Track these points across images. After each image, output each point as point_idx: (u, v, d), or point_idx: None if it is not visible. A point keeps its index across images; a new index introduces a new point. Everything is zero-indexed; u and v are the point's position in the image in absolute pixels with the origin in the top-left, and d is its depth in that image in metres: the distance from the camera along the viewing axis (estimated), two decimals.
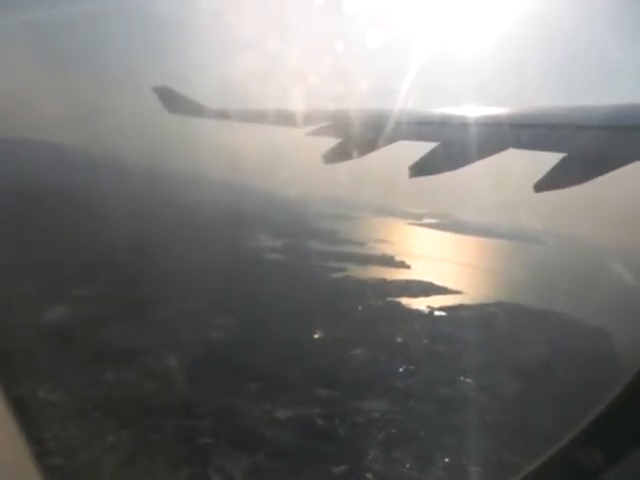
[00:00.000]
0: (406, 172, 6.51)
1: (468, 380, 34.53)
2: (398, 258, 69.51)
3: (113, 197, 66.53)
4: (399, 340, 39.10)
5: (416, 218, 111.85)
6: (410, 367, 35.09)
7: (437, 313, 48.00)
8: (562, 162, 5.62)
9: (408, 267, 66.26)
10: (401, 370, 34.50)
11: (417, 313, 47.29)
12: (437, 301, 51.68)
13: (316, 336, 38.32)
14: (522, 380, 35.23)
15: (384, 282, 55.97)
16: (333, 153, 7.49)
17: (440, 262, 76.66)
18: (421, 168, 6.54)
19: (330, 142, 7.58)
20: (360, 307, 46.09)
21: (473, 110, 7.30)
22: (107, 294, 41.10)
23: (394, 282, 56.49)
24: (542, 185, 5.75)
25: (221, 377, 30.41)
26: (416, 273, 63.10)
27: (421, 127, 7.11)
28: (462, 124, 6.90)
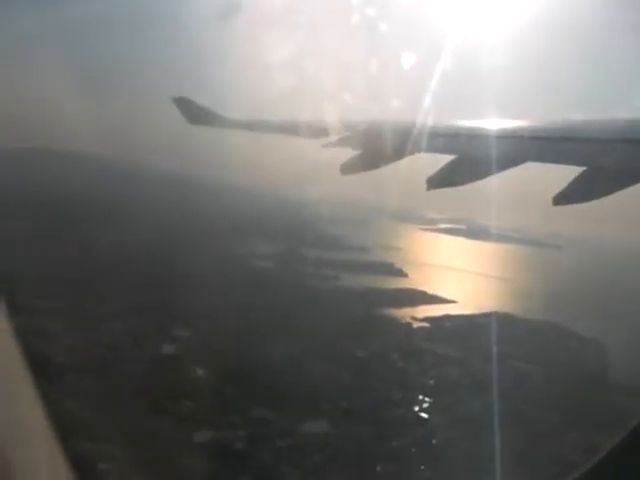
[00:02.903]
0: (424, 176, 6.54)
1: (426, 399, 32.30)
2: (398, 266, 67.08)
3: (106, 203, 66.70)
4: (361, 355, 37.00)
5: (431, 223, 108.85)
6: (365, 385, 33.02)
7: (418, 325, 45.66)
8: (582, 175, 5.53)
9: (406, 275, 63.79)
10: (353, 388, 32.42)
11: (396, 325, 45.06)
12: (423, 311, 49.29)
13: (274, 351, 36.52)
14: (486, 399, 32.81)
15: (373, 292, 53.75)
16: (351, 165, 7.56)
17: (443, 269, 73.89)
18: (439, 181, 6.60)
19: (348, 152, 7.65)
20: (336, 319, 44.05)
21: (492, 123, 7.27)
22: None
23: (384, 292, 54.23)
24: (561, 199, 5.78)
25: (152, 395, 29.09)
26: (412, 282, 60.66)
27: (439, 139, 7.07)
28: (480, 137, 6.90)
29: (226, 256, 60.18)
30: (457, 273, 72.57)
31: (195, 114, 9.93)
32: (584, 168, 5.56)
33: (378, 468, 25.26)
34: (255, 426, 27.31)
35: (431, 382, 34.07)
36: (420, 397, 32.25)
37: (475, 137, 6.98)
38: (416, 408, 30.85)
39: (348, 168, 7.64)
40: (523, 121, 7.13)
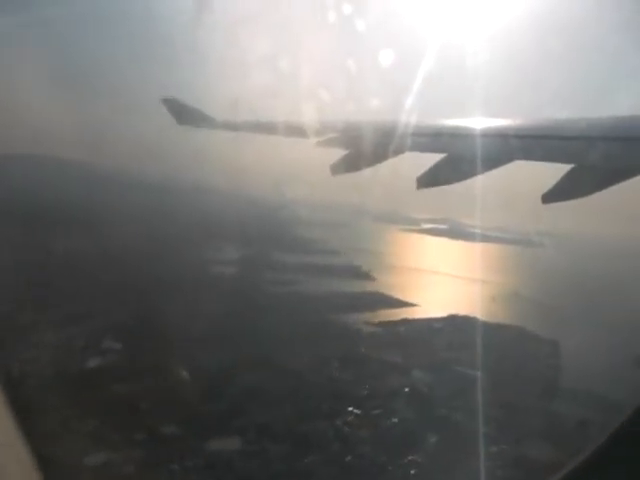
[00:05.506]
0: (412, 178, 6.55)
1: (355, 412, 30.59)
2: (366, 269, 65.25)
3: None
4: (299, 364, 35.29)
5: (415, 224, 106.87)
6: (292, 397, 31.32)
7: (370, 330, 43.88)
8: (570, 173, 5.61)
9: (373, 279, 61.96)
10: (277, 401, 30.73)
11: (346, 331, 43.21)
12: (380, 316, 47.56)
13: (206, 363, 34.85)
14: (421, 410, 31.15)
15: (331, 296, 52.05)
16: (341, 164, 7.54)
17: (415, 272, 71.99)
18: (429, 180, 6.67)
19: (337, 152, 7.62)
20: (281, 326, 42.27)
21: (480, 122, 7.23)
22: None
23: (342, 296, 52.46)
24: (550, 196, 5.88)
25: (56, 413, 27.50)
26: (378, 285, 58.86)
27: (428, 139, 7.10)
28: (469, 136, 6.86)
29: (189, 263, 58.63)
30: (428, 275, 70.76)
31: (184, 114, 10.10)
32: (572, 166, 5.59)
33: None
34: (157, 445, 25.70)
35: (365, 393, 32.30)
36: (349, 409, 30.52)
37: (464, 136, 6.93)
38: (339, 422, 29.09)
39: (338, 168, 7.57)
40: (511, 119, 7.14)
